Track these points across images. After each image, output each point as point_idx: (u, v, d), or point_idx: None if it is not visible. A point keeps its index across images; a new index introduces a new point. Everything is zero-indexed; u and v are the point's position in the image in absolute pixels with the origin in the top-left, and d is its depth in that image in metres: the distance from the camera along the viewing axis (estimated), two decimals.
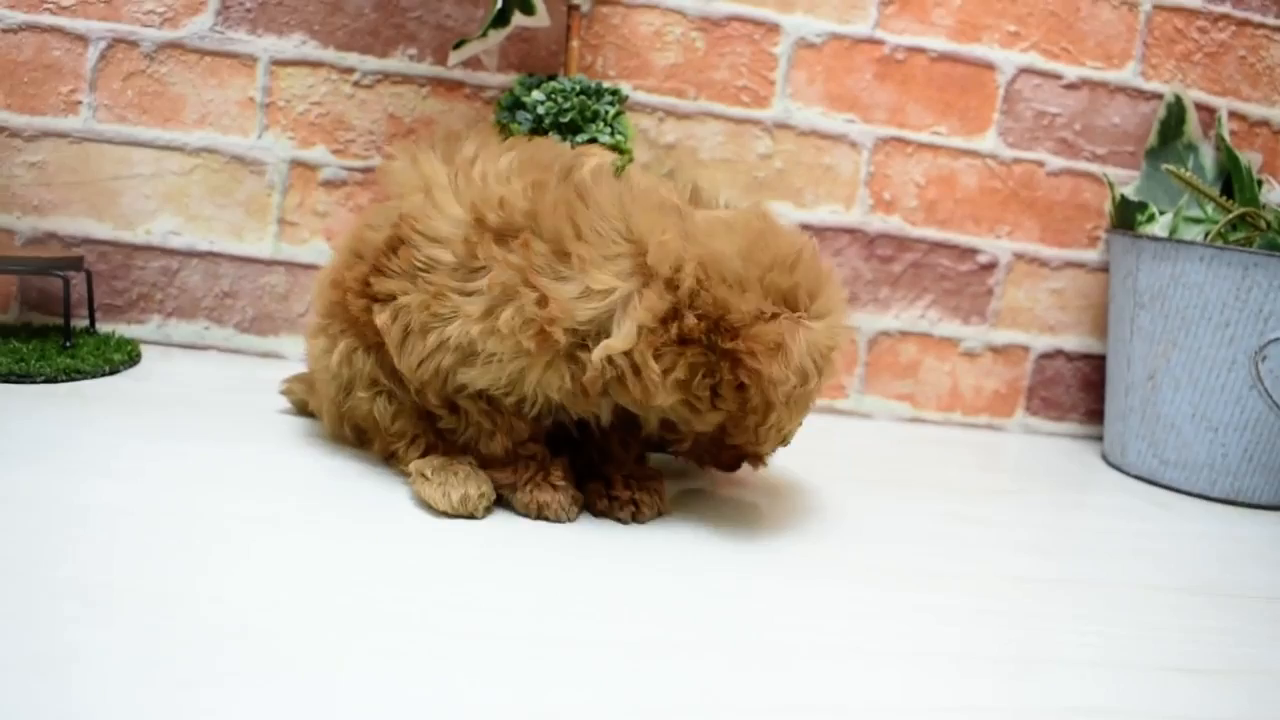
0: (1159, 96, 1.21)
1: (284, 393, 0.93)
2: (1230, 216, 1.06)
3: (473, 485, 0.73)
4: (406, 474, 0.77)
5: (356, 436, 0.83)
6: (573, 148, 0.86)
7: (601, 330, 0.69)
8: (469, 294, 0.70)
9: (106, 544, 0.60)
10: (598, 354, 0.68)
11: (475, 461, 0.76)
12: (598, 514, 0.77)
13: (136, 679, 0.46)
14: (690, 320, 0.68)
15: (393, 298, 0.73)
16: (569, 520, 0.75)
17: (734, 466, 0.82)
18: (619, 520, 0.76)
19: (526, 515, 0.74)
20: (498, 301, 0.69)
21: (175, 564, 0.59)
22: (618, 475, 0.78)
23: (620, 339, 0.68)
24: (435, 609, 0.58)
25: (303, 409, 0.92)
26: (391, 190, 0.78)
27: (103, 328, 1.11)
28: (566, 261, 0.68)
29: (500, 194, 0.71)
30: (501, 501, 0.75)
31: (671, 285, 0.68)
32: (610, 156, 0.78)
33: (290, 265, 1.13)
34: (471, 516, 0.73)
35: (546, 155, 0.76)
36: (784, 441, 0.76)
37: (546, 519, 0.74)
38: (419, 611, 0.57)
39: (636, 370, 0.69)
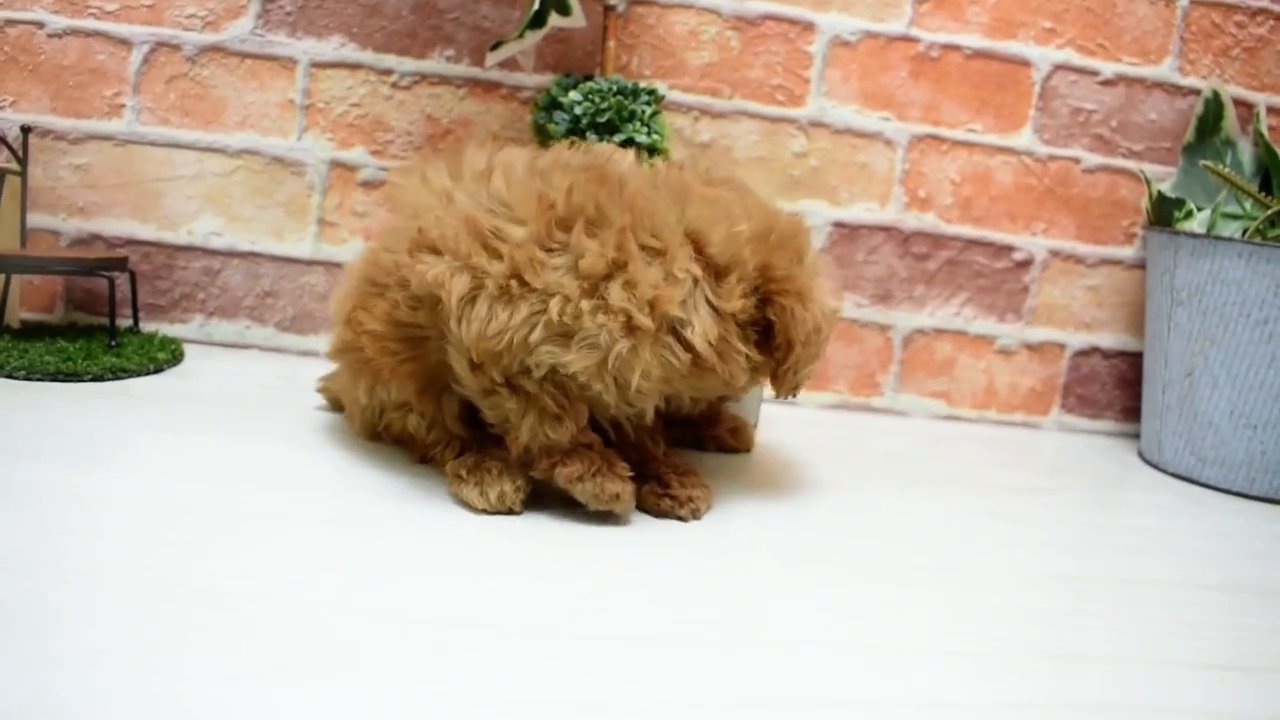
0: (1196, 92, 1.20)
1: (320, 390, 0.95)
2: (1269, 213, 1.05)
3: (508, 482, 0.74)
4: (444, 473, 0.78)
5: (394, 442, 0.85)
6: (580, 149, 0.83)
7: (689, 318, 0.70)
8: (555, 268, 0.68)
9: (154, 540, 0.62)
10: (699, 340, 0.69)
11: (510, 458, 0.75)
12: (660, 514, 0.77)
13: (180, 674, 0.47)
14: (751, 302, 0.72)
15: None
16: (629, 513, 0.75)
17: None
18: (680, 519, 0.76)
19: (593, 505, 0.72)
20: (598, 280, 0.68)
21: (220, 561, 0.60)
22: (670, 475, 0.78)
23: (708, 325, 0.70)
24: (479, 605, 0.58)
25: (338, 406, 0.93)
26: (404, 210, 0.76)
27: (146, 327, 1.13)
28: (647, 252, 0.69)
29: (568, 183, 0.70)
30: (535, 496, 0.75)
31: (732, 272, 0.71)
32: (629, 153, 0.79)
33: (330, 265, 1.15)
34: (510, 512, 0.73)
35: (571, 157, 0.77)
36: (795, 389, 0.77)
37: (613, 511, 0.73)
38: (463, 608, 0.58)
39: (721, 355, 0.71)
